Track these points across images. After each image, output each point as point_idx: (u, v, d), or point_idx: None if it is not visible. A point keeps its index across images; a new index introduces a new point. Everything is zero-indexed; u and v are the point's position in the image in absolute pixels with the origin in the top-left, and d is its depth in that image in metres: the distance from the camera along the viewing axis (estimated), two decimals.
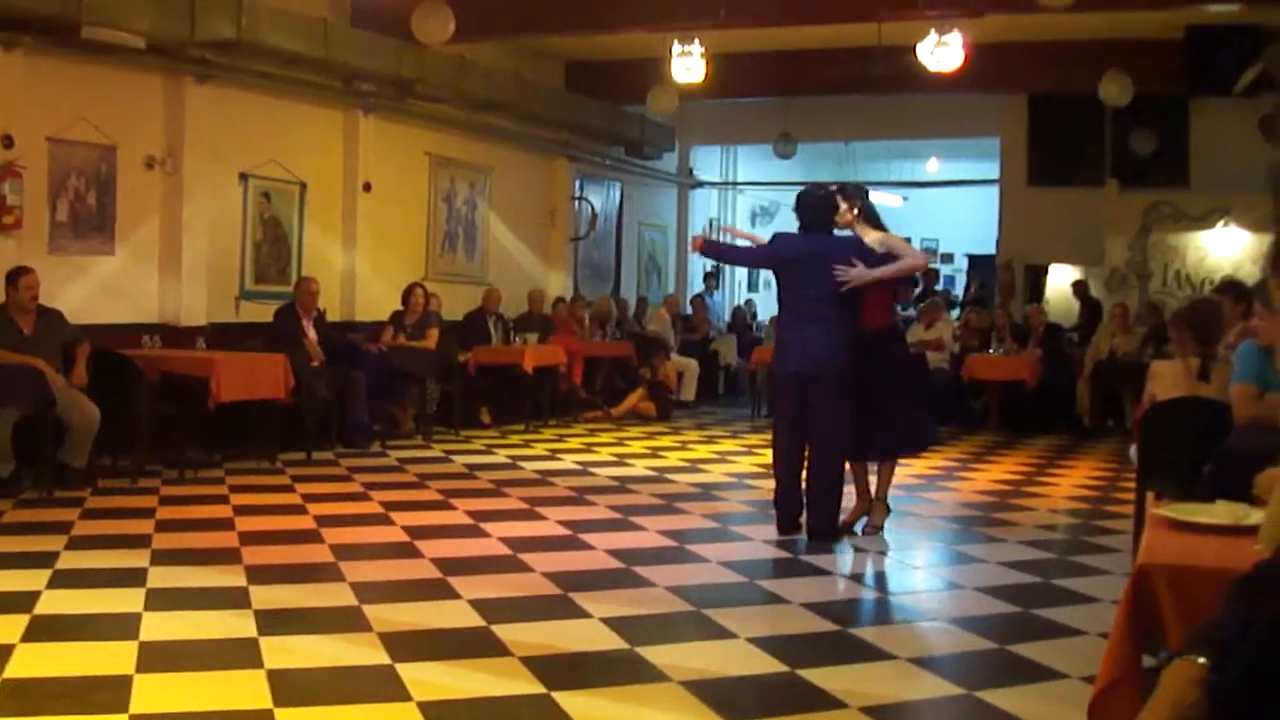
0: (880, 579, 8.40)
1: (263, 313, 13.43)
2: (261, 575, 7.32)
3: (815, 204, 9.34)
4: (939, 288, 23.94)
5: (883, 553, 8.92)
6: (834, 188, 9.65)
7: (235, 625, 6.21)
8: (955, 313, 19.59)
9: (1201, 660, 1.97)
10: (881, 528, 9.36)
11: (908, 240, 9.67)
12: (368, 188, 15.17)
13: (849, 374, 8.95)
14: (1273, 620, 1.73)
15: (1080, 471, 13.16)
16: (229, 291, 13.65)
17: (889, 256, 9.10)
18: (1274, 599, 1.90)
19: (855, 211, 9.31)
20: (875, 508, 9.39)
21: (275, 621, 6.29)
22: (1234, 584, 2.09)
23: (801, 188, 9.85)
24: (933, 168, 26.13)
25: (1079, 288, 19.05)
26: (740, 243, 9.63)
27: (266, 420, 11.86)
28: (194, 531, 8.66)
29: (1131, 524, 7.82)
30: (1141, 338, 16.18)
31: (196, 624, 6.25)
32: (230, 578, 7.25)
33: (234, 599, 6.75)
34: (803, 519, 9.15)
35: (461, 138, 17.10)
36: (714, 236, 9.70)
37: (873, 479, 9.48)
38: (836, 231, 9.35)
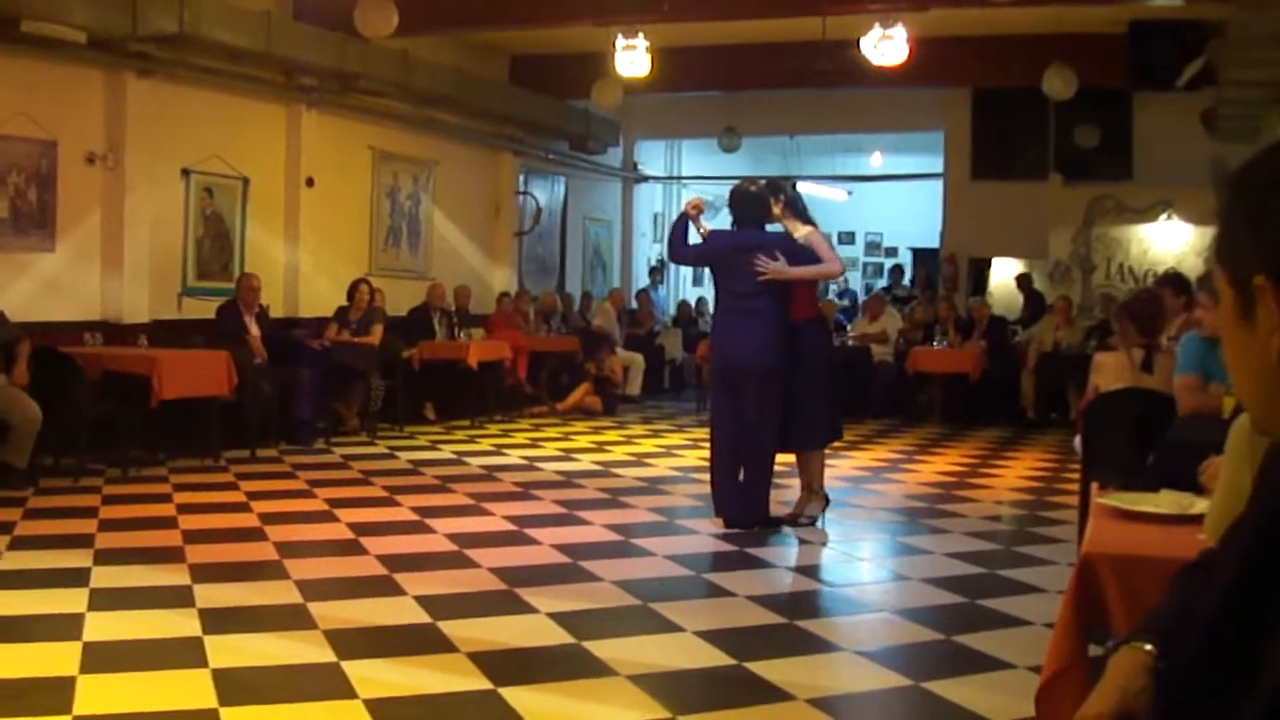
0: (826, 571, 8.43)
1: (205, 309, 13.33)
2: (205, 574, 7.28)
3: (747, 199, 9.48)
4: (904, 281, 23.97)
5: (826, 545, 8.97)
6: (763, 182, 9.77)
7: (179, 624, 6.18)
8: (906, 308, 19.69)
9: (1148, 647, 1.98)
10: (815, 518, 9.42)
11: (831, 243, 9.78)
12: (310, 183, 15.07)
13: (779, 367, 9.06)
14: (1217, 607, 1.74)
15: (1024, 463, 13.25)
16: (171, 288, 13.54)
17: (809, 253, 9.24)
18: (1218, 587, 1.91)
19: (781, 206, 9.43)
20: (811, 499, 9.46)
21: (220, 620, 6.26)
22: (1179, 572, 2.11)
23: (736, 182, 9.96)
24: (877, 162, 26.23)
25: (1023, 281, 19.16)
26: (693, 237, 9.67)
27: (209, 418, 11.76)
28: (137, 530, 8.60)
29: (1076, 514, 7.88)
30: (1084, 330, 16.30)
31: (140, 624, 6.20)
32: (174, 576, 7.20)
33: (178, 598, 6.71)
34: None
35: (405, 132, 17.04)
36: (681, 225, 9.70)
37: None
38: (772, 227, 9.46)
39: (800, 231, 9.32)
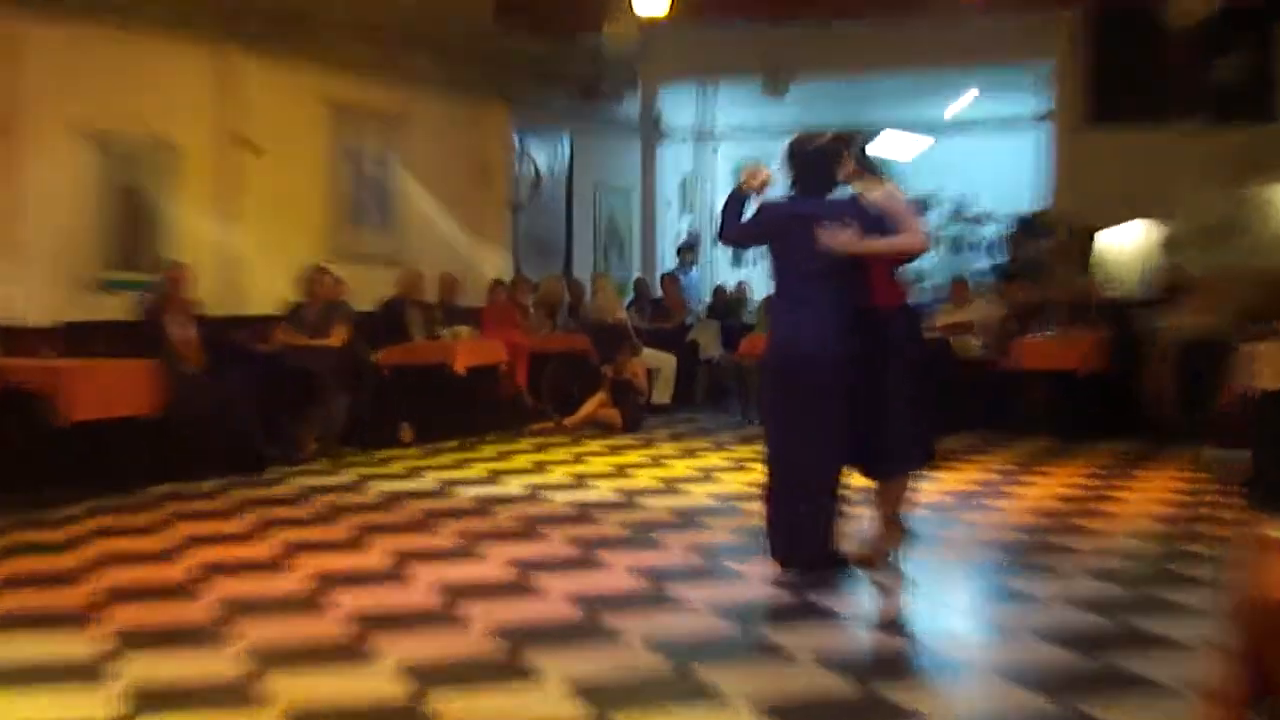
0: (909, 623, 8.39)
1: (123, 308, 13.34)
2: (129, 641, 7.26)
3: (808, 156, 9.35)
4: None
5: (907, 590, 8.91)
6: (829, 135, 9.65)
7: (95, 707, 6.16)
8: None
9: None
10: (892, 555, 9.35)
11: (918, 207, 9.68)
12: (252, 147, 15.08)
13: (847, 366, 8.96)
14: None
15: (1158, 483, 13.17)
16: (80, 282, 13.57)
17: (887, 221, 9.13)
18: None
19: (851, 164, 9.31)
20: (885, 532, 9.37)
21: (148, 701, 6.24)
22: None
23: (795, 136, 9.84)
24: (964, 105, 26.14)
25: (1155, 251, 19.04)
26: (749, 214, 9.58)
27: (131, 443, 11.77)
28: (40, 588, 8.60)
29: (1228, 548, 7.83)
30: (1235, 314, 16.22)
31: (47, 707, 6.20)
32: (88, 646, 7.19)
33: (93, 673, 6.69)
34: None
35: (369, 81, 17.04)
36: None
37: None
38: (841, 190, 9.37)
39: (875, 194, 9.21)
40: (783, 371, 9.20)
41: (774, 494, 9.26)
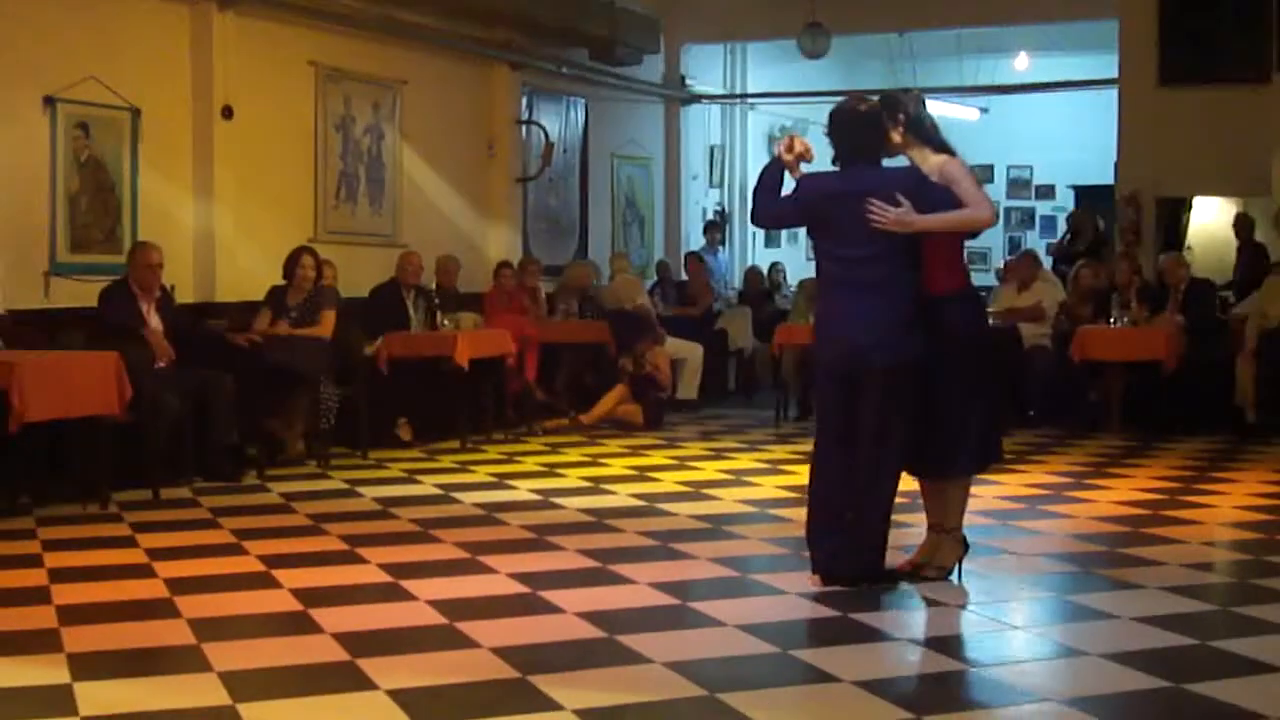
0: (966, 645, 8.31)
1: (84, 294, 13.33)
2: (91, 667, 7.22)
3: (854, 123, 9.24)
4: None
5: (965, 607, 8.86)
6: (876, 99, 9.55)
7: None
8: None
9: None
10: (951, 570, 9.29)
11: (976, 177, 9.57)
12: (229, 114, 15.07)
13: (913, 361, 8.87)
14: None
15: (1245, 486, 13.14)
16: (35, 265, 13.56)
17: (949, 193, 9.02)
18: None
19: (901, 130, 9.22)
20: (941, 543, 9.32)
21: None
22: None
23: (839, 101, 9.74)
24: (1022, 66, 26.12)
25: (1242, 225, 18.93)
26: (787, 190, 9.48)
27: (94, 446, 11.74)
28: None
29: None
30: None
31: None
32: (46, 672, 7.14)
33: (52, 702, 6.64)
34: None
35: (360, 41, 17.05)
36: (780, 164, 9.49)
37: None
38: (890, 160, 9.28)
39: (931, 162, 9.14)
40: (835, 368, 9.10)
41: (818, 499, 9.20)
